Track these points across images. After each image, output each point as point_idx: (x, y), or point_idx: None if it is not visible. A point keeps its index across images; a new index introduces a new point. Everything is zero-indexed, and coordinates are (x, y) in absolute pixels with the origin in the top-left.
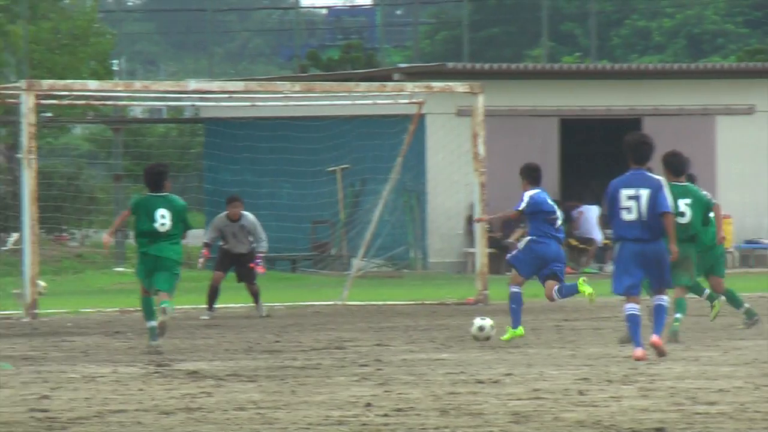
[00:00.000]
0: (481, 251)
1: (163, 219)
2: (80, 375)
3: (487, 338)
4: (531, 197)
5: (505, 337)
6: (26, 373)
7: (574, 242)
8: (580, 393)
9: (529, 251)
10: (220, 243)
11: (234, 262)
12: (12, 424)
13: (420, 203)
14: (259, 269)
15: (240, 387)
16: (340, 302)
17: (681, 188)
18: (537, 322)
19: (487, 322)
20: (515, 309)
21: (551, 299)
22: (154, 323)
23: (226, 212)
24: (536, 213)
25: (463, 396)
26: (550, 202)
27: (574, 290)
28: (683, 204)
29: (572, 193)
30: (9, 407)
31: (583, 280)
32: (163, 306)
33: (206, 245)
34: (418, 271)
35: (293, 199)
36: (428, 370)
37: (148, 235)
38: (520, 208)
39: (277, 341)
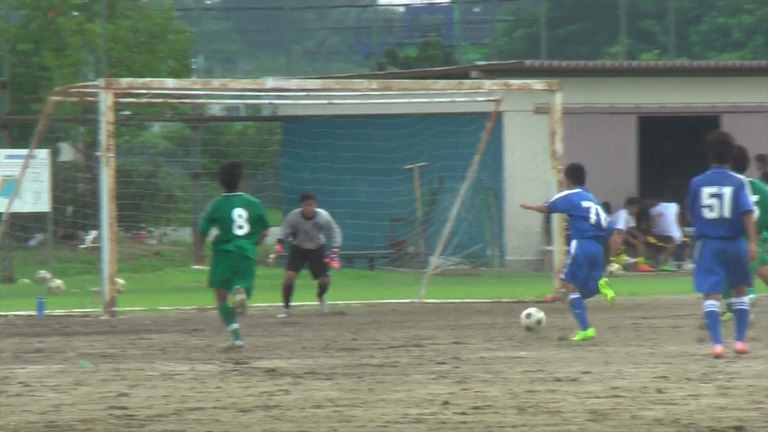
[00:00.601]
0: (558, 249)
1: (240, 219)
2: (158, 372)
3: (529, 328)
4: (561, 196)
5: (576, 338)
6: (105, 371)
7: (652, 240)
8: (659, 391)
9: (577, 255)
10: (290, 239)
11: (305, 259)
12: (91, 422)
13: (497, 201)
14: (335, 264)
15: (317, 385)
16: (417, 300)
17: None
18: (615, 320)
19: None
20: (579, 313)
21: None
22: (236, 326)
23: (300, 209)
24: (572, 214)
25: (541, 394)
26: (584, 203)
27: (595, 291)
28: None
29: (650, 191)
30: (88, 405)
31: (606, 282)
32: (238, 287)
33: (280, 241)
34: (495, 269)
35: (371, 197)
36: (506, 368)
37: (228, 240)
38: (546, 204)
39: (355, 339)
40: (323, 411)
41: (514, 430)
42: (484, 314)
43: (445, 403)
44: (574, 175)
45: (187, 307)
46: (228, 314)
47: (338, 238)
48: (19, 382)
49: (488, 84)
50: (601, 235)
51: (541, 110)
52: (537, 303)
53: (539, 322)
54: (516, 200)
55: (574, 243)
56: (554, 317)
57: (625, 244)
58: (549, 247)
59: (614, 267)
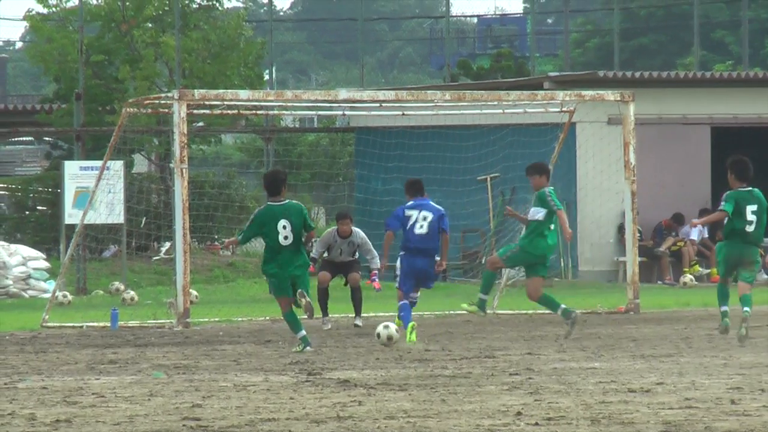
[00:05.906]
0: (632, 260)
1: (284, 230)
2: (232, 383)
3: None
4: (391, 216)
5: (407, 340)
6: (178, 382)
7: None
8: (733, 402)
9: (403, 268)
10: (325, 255)
11: (339, 270)
12: None
13: (570, 212)
14: (376, 285)
15: (390, 396)
16: (490, 311)
17: (746, 194)
18: (689, 330)
19: (392, 328)
20: (404, 315)
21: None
22: (303, 333)
23: (336, 228)
24: (402, 228)
25: (614, 405)
26: (408, 212)
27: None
28: (750, 211)
29: None
30: (162, 416)
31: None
32: (300, 290)
33: (313, 260)
34: (569, 280)
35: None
36: (579, 379)
37: (274, 251)
38: (389, 230)
39: (428, 350)
40: (396, 422)
41: None
42: (557, 325)
43: (518, 414)
44: (411, 188)
45: (260, 318)
46: (295, 321)
47: (376, 259)
48: (93, 393)
49: (561, 95)
50: (427, 247)
51: (614, 121)
52: (611, 314)
53: (390, 338)
54: (589, 211)
55: (400, 255)
56: (628, 328)
57: (698, 255)
58: (622, 258)
59: (688, 278)
